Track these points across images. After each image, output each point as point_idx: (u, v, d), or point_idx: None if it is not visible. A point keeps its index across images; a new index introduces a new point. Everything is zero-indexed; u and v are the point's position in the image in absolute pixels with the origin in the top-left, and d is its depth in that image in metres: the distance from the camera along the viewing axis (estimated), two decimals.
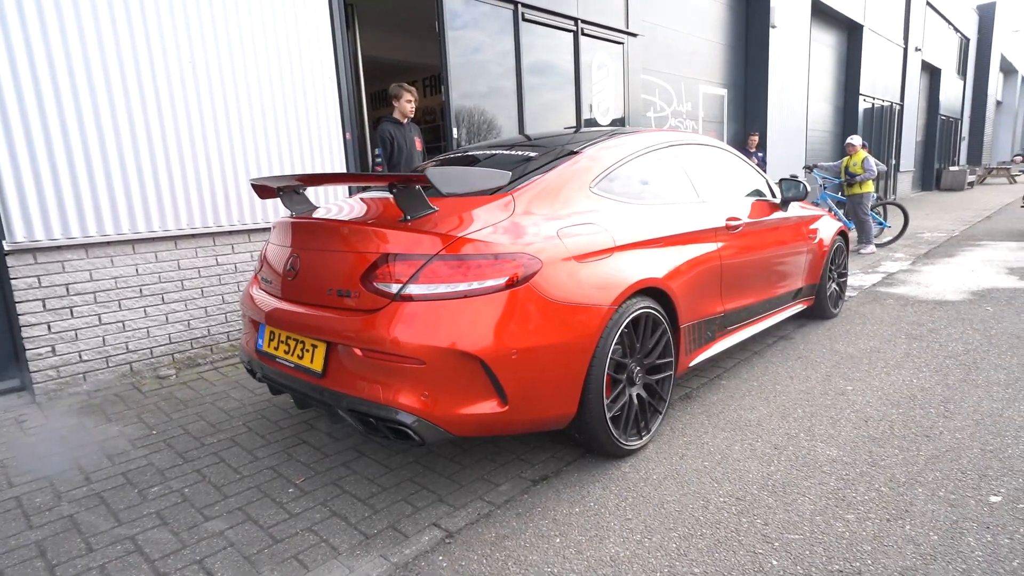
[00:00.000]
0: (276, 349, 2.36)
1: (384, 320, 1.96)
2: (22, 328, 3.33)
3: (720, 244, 3.01)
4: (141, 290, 3.71)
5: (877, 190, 10.00)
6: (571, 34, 6.51)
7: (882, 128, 15.30)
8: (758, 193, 3.71)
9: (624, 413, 2.40)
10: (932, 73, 19.21)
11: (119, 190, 3.54)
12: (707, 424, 2.76)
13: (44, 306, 3.38)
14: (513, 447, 2.60)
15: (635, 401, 2.46)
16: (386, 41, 7.61)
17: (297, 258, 2.32)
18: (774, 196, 3.81)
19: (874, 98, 14.65)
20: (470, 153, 3.09)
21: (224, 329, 4.08)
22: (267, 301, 2.45)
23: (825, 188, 8.26)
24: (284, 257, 2.42)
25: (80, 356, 3.52)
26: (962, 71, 22.33)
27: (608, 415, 2.29)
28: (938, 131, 19.77)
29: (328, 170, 4.45)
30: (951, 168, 19.78)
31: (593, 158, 2.62)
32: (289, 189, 2.62)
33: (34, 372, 3.38)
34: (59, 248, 3.39)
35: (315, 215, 2.53)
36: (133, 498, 2.34)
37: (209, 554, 1.96)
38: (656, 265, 2.53)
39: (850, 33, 13.70)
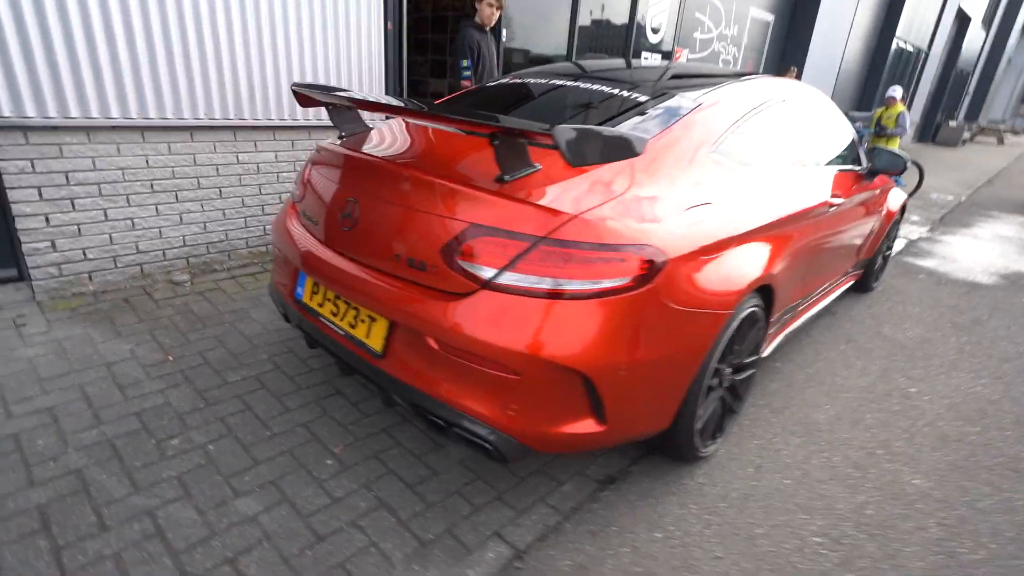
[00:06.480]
0: (321, 307, 1.84)
1: (473, 312, 1.44)
2: (15, 218, 2.71)
3: (816, 223, 2.46)
4: (152, 185, 3.06)
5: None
6: None
7: (904, 76, 14.05)
8: (847, 158, 3.08)
9: (705, 419, 1.99)
10: (963, 21, 17.48)
11: (126, 67, 2.76)
12: (774, 423, 2.38)
13: (40, 195, 2.74)
14: None
15: (718, 405, 2.04)
16: None
17: (356, 204, 1.72)
18: (859, 164, 3.19)
19: (906, 41, 13.27)
20: (554, 82, 2.36)
21: (243, 235, 3.48)
22: (310, 245, 1.87)
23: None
24: (337, 197, 1.82)
25: (84, 254, 2.94)
26: (987, 22, 20.42)
27: (697, 426, 1.88)
28: (950, 83, 18.40)
29: (364, 59, 3.61)
30: (950, 123, 18.62)
31: (716, 111, 1.98)
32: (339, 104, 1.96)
33: (32, 268, 2.81)
34: (55, 129, 2.68)
35: (372, 149, 1.89)
36: (150, 452, 1.91)
37: (243, 550, 1.57)
38: (768, 256, 1.98)
39: None
